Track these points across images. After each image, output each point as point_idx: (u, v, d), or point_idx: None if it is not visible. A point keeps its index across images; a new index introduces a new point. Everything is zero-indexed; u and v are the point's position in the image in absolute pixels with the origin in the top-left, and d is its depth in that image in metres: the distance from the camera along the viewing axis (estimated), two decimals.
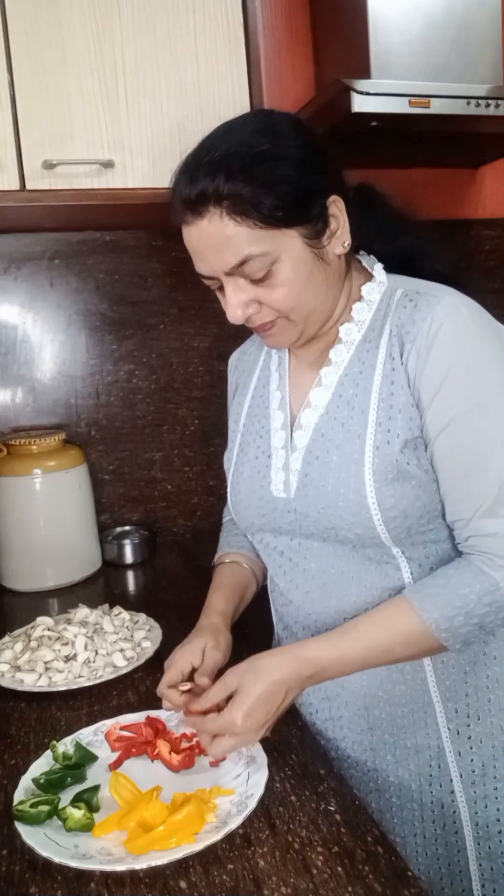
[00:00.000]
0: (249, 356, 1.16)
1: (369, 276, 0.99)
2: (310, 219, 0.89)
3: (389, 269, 0.99)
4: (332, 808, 0.83)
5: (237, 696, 0.87)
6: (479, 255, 2.07)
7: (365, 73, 1.49)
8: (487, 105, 1.49)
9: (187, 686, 0.96)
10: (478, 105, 1.48)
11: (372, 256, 1.01)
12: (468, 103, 1.48)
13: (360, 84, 1.42)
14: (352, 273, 0.99)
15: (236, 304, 0.91)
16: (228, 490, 1.09)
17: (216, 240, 0.87)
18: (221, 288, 0.93)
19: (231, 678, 0.89)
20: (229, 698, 0.88)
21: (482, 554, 0.88)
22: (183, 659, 0.99)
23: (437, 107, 1.46)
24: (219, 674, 0.94)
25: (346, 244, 0.93)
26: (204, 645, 1.00)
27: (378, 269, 0.99)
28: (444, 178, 2.03)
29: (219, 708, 0.89)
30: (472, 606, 0.86)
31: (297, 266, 0.89)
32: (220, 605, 1.08)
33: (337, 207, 0.91)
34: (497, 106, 1.49)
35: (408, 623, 0.88)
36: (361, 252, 1.02)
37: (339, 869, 0.74)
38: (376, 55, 1.49)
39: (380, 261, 1.00)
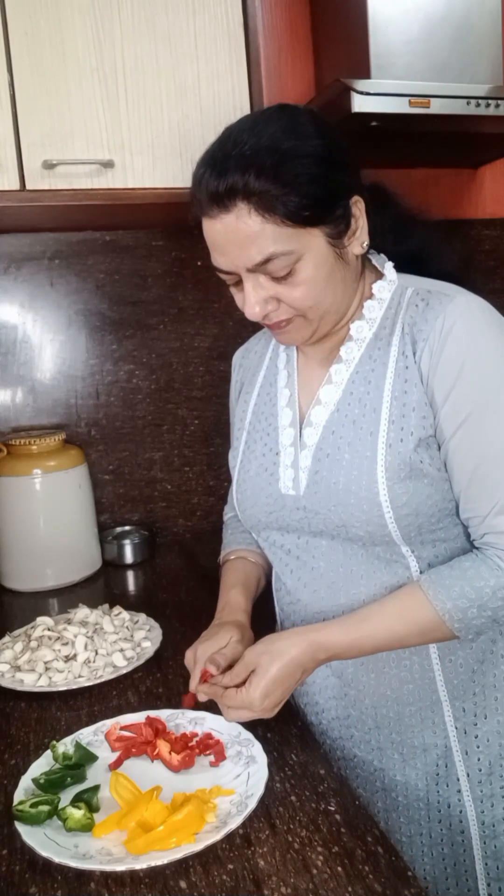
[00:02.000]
0: (255, 354, 1.16)
1: (380, 275, 0.99)
2: (334, 219, 0.89)
3: (399, 268, 1.00)
4: (332, 808, 0.83)
5: (255, 676, 0.89)
6: (479, 255, 2.07)
7: (365, 73, 1.50)
8: (487, 105, 1.49)
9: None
10: (478, 105, 1.49)
11: (382, 255, 1.01)
12: (468, 103, 1.48)
13: (360, 84, 1.42)
14: (364, 272, 0.99)
15: (255, 301, 0.90)
16: (234, 488, 1.08)
17: (242, 235, 0.86)
18: (238, 283, 0.92)
19: (250, 658, 0.91)
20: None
21: (499, 550, 0.89)
22: (206, 655, 0.98)
23: (437, 107, 1.46)
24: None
25: (364, 244, 0.94)
26: (229, 638, 0.99)
27: (388, 267, 0.99)
28: (444, 178, 2.03)
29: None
30: (487, 599, 0.87)
31: (318, 265, 0.89)
32: (241, 603, 1.07)
33: (358, 208, 0.92)
34: (497, 106, 1.49)
35: (422, 613, 0.89)
36: (371, 250, 1.02)
37: (339, 869, 0.74)
38: (376, 55, 1.49)
39: (391, 260, 1.00)
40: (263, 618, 1.13)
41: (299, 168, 0.85)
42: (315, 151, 0.87)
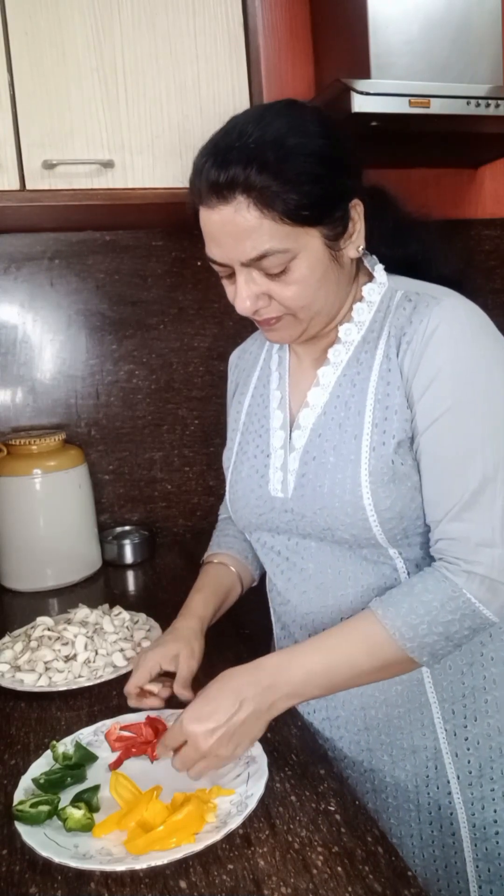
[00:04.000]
0: (250, 355, 1.16)
1: (371, 277, 0.99)
2: (333, 220, 0.89)
3: (397, 271, 0.99)
4: (332, 808, 0.83)
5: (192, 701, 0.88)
6: (479, 255, 2.07)
7: (365, 73, 1.50)
8: (487, 105, 1.49)
9: (155, 688, 0.98)
10: (478, 105, 1.49)
11: (373, 257, 1.01)
12: (468, 103, 1.48)
13: (360, 84, 1.42)
14: (358, 274, 0.99)
15: (246, 295, 0.90)
16: (227, 488, 1.09)
17: (239, 229, 0.86)
18: (230, 276, 0.92)
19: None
20: None
21: (447, 558, 0.87)
22: (153, 661, 0.99)
23: (437, 107, 1.46)
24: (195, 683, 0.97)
25: (360, 248, 0.93)
26: (178, 652, 0.99)
27: (379, 269, 0.99)
28: (444, 178, 2.03)
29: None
30: (436, 613, 0.84)
31: (313, 266, 0.89)
32: (199, 609, 1.07)
33: (357, 212, 0.91)
34: (497, 106, 1.49)
35: (372, 632, 0.86)
36: (365, 252, 1.02)
37: (339, 869, 0.74)
38: (376, 55, 1.49)
39: (386, 263, 1.00)
40: (261, 619, 1.13)
41: (302, 166, 0.85)
42: (319, 151, 0.86)
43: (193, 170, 0.90)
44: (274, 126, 0.86)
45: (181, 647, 1.00)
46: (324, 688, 0.88)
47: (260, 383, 1.10)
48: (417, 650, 0.85)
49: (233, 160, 0.84)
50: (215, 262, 0.92)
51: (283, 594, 1.05)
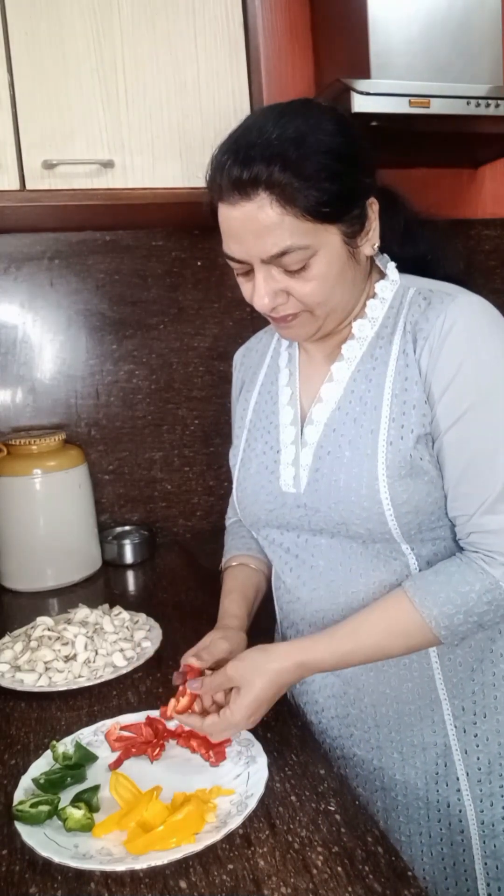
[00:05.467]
0: (256, 353, 1.16)
1: (383, 275, 1.00)
2: (351, 218, 0.89)
3: (405, 270, 1.00)
4: (332, 808, 0.83)
5: (239, 696, 0.89)
6: (479, 255, 2.07)
7: (365, 73, 1.50)
8: (487, 105, 1.49)
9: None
10: (478, 105, 1.49)
11: (385, 255, 1.02)
12: (468, 103, 1.49)
13: (360, 84, 1.42)
14: (371, 272, 0.99)
15: (265, 292, 0.90)
16: (234, 486, 1.08)
17: (260, 225, 0.86)
18: (247, 273, 0.92)
19: (233, 672, 0.91)
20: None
21: (483, 551, 0.89)
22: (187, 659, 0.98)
23: (437, 107, 1.47)
24: None
25: (374, 246, 0.94)
26: (210, 641, 1.00)
27: (391, 267, 1.00)
28: (444, 178, 2.03)
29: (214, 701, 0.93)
30: (472, 604, 0.87)
31: (332, 262, 0.90)
32: (234, 611, 1.07)
33: (372, 210, 0.92)
34: (497, 106, 1.50)
35: (409, 622, 0.89)
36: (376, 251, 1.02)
37: (339, 869, 0.74)
38: (376, 55, 1.49)
39: (396, 262, 1.01)
40: (263, 616, 1.13)
41: (322, 164, 0.86)
42: (338, 149, 0.87)
43: (213, 166, 0.90)
44: (293, 124, 0.87)
45: (213, 635, 1.01)
46: (349, 666, 0.95)
47: (267, 380, 1.10)
48: (450, 637, 0.89)
49: (255, 157, 0.85)
50: (233, 259, 0.92)
51: (292, 591, 1.05)
